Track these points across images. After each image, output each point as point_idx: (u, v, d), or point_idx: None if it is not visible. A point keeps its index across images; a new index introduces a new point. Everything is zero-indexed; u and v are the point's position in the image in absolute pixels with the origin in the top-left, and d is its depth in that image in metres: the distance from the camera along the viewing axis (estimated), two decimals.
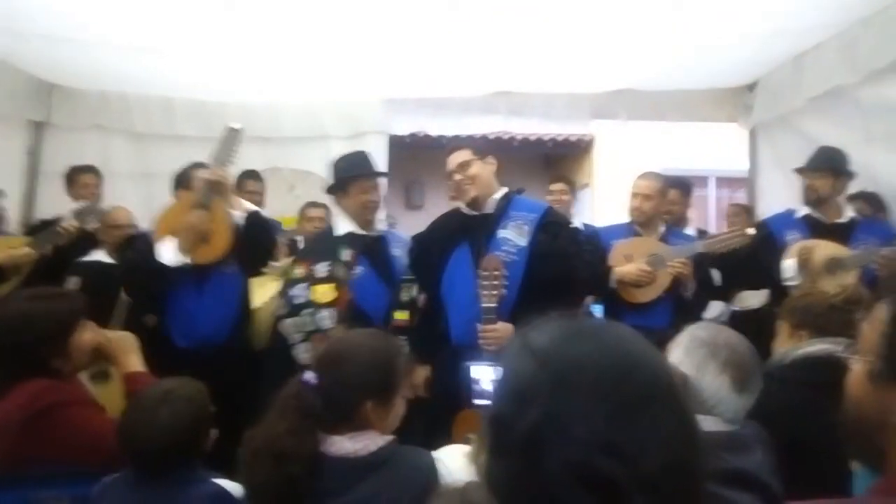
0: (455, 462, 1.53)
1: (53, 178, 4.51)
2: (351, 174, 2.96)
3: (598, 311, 3.66)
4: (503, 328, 2.56)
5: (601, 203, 7.59)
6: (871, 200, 3.52)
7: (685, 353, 1.61)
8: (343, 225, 2.97)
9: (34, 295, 1.94)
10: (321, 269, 2.82)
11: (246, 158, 4.59)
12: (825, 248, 3.15)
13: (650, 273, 3.22)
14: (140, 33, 3.59)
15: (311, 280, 2.80)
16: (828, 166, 3.30)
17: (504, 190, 2.90)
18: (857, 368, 1.03)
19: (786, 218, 3.47)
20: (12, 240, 3.51)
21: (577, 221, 4.36)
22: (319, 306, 2.75)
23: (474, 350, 2.57)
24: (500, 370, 0.80)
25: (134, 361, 2.02)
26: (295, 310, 2.77)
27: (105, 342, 2.01)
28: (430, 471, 1.53)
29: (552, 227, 2.81)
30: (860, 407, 1.01)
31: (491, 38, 3.59)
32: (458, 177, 2.83)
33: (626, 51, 3.81)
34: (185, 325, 3.01)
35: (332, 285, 2.78)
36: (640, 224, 3.47)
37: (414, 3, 3.14)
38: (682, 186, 4.23)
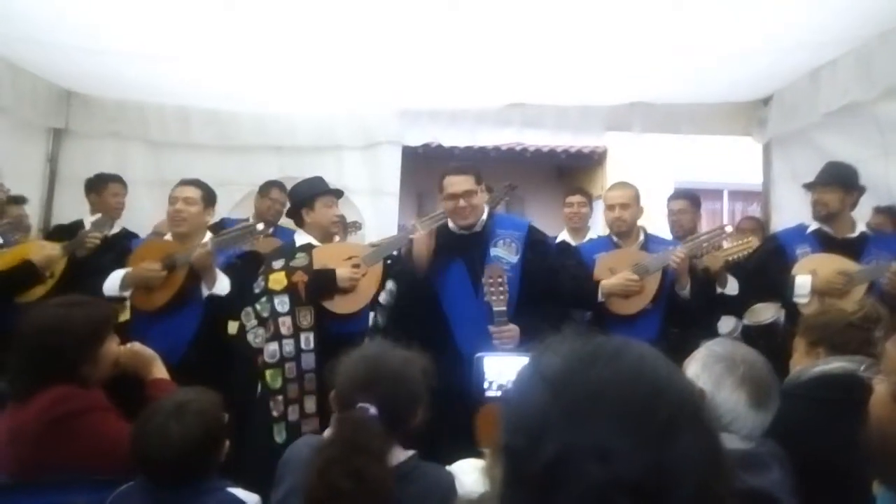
0: (469, 476, 1.53)
1: (71, 184, 4.57)
2: (315, 191, 3.27)
3: None
4: (515, 328, 2.76)
5: None
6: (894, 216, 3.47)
7: (702, 367, 1.60)
8: (300, 238, 3.26)
9: (69, 301, 1.97)
10: (276, 264, 3.12)
11: (260, 168, 4.68)
12: (833, 263, 3.12)
13: (637, 281, 3.18)
14: (156, 43, 3.63)
15: (268, 271, 3.09)
16: (837, 181, 3.27)
17: (487, 209, 3.17)
18: (881, 389, 1.02)
19: (797, 232, 3.44)
20: (48, 243, 3.55)
21: (592, 233, 4.36)
22: (274, 293, 3.03)
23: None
24: (509, 395, 0.74)
25: (157, 370, 2.09)
26: (254, 299, 3.05)
27: (130, 355, 2.07)
28: (449, 486, 1.54)
29: (538, 245, 3.15)
30: (884, 428, 0.99)
31: (505, 51, 3.60)
32: (462, 203, 3.05)
33: (641, 63, 3.81)
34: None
35: (283, 273, 3.07)
36: (620, 235, 3.44)
37: (429, 15, 3.16)
38: (691, 198, 4.21)
